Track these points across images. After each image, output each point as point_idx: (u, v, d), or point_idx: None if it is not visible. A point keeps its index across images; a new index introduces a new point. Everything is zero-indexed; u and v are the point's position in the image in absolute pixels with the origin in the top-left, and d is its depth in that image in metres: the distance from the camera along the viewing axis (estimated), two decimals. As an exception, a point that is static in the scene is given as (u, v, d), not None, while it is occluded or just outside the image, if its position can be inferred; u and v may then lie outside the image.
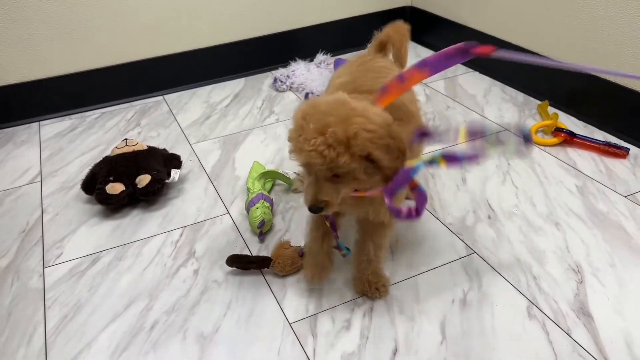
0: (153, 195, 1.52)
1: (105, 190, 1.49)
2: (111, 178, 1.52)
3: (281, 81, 2.18)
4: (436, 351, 1.06)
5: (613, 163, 1.58)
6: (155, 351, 1.11)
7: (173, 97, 2.23)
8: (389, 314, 1.16)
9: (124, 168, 1.54)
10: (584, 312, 1.12)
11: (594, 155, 1.62)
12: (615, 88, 1.68)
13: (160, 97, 2.23)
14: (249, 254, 1.32)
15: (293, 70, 2.20)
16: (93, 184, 1.54)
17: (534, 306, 1.14)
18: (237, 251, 1.36)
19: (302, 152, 0.94)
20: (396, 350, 1.07)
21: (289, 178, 1.56)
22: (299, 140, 0.94)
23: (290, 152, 0.98)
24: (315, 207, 0.98)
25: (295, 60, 2.29)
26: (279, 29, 2.34)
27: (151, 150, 1.64)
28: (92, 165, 1.61)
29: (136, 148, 1.62)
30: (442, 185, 1.53)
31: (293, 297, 1.21)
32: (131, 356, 1.11)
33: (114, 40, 2.10)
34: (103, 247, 1.41)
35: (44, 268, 1.36)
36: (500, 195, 1.48)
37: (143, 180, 1.51)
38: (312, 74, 2.19)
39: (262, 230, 1.38)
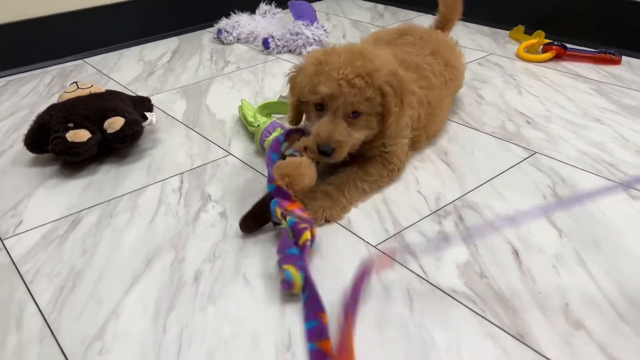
0: (131, 141, 1.19)
1: (66, 139, 1.13)
2: (71, 125, 1.16)
3: (227, 32, 1.91)
4: (560, 244, 0.90)
5: (611, 69, 1.55)
6: (214, 303, 0.82)
7: (97, 60, 1.86)
8: (483, 219, 0.98)
9: (85, 111, 1.19)
10: (682, 186, 1.03)
11: (590, 65, 1.58)
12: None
13: (80, 61, 1.86)
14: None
15: (237, 21, 1.95)
16: (44, 137, 1.18)
17: (631, 189, 1.03)
18: (262, 188, 1.09)
19: (328, 82, 0.93)
20: (516, 251, 0.89)
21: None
22: (323, 71, 0.94)
23: (304, 88, 0.97)
24: (328, 147, 0.94)
25: (235, 12, 2.03)
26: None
27: (113, 92, 1.30)
28: (36, 116, 1.23)
29: (92, 90, 1.28)
30: (462, 102, 1.39)
31: (360, 221, 0.99)
32: (184, 315, 0.80)
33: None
34: (79, 207, 1.07)
35: (2, 241, 0.98)
36: (525, 104, 1.38)
37: (115, 123, 1.18)
38: (261, 23, 1.95)
39: (289, 160, 1.13)
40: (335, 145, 0.94)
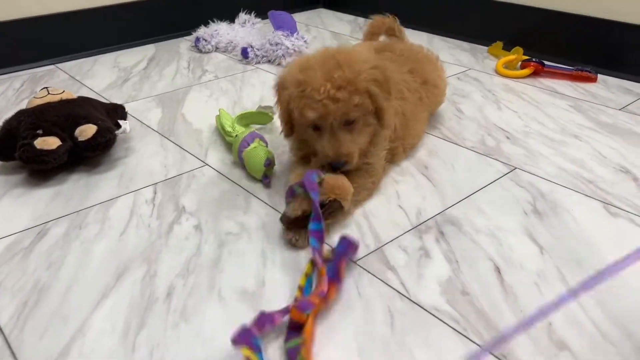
0: (103, 150, 1.15)
1: (34, 146, 1.09)
2: (40, 131, 1.12)
3: (205, 40, 1.88)
4: (542, 261, 0.89)
5: (588, 87, 1.57)
6: (187, 321, 0.78)
7: (70, 65, 1.81)
8: (464, 234, 0.96)
9: (56, 118, 1.15)
10: (660, 203, 1.04)
11: (568, 82, 1.60)
12: (562, 18, 1.70)
13: (53, 66, 1.80)
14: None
15: (216, 30, 1.92)
16: (11, 144, 1.13)
17: (610, 205, 1.03)
18: (239, 200, 1.07)
19: (312, 104, 0.92)
20: (498, 268, 0.88)
21: (269, 115, 1.29)
22: (304, 94, 0.92)
23: (292, 111, 0.96)
24: (339, 163, 0.95)
25: (214, 21, 2.00)
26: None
27: (85, 99, 1.26)
28: (3, 122, 1.18)
29: (64, 96, 1.23)
30: (442, 117, 1.39)
31: (339, 236, 0.96)
32: (155, 333, 0.77)
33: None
34: (46, 218, 1.02)
35: (-38, 252, 0.93)
36: (504, 119, 1.38)
37: (87, 131, 1.14)
38: (240, 33, 1.93)
39: (268, 173, 1.10)
40: (346, 158, 0.95)
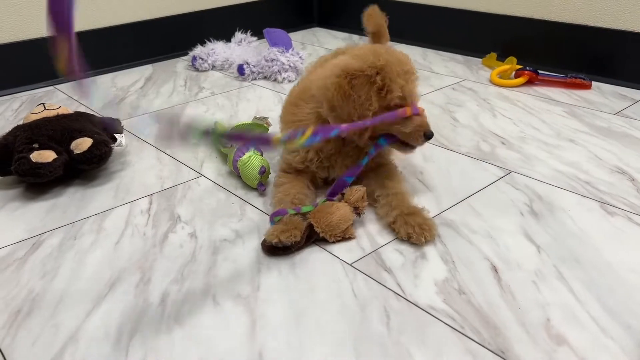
0: (98, 162, 1.15)
1: (30, 159, 1.09)
2: (36, 145, 1.12)
3: (202, 59, 1.90)
4: (539, 260, 0.88)
5: (582, 94, 1.57)
6: (182, 325, 0.78)
7: (68, 86, 1.82)
8: (461, 236, 0.95)
9: (52, 132, 1.16)
10: (657, 201, 1.03)
11: (562, 90, 1.60)
12: (554, 27, 1.71)
13: (51, 87, 1.82)
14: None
15: (212, 49, 1.94)
16: (7, 159, 1.13)
17: (607, 205, 1.02)
18: (235, 208, 1.06)
19: (408, 83, 0.98)
20: (495, 267, 0.87)
21: (264, 126, 1.29)
22: (399, 75, 0.96)
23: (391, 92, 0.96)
24: (431, 131, 1.01)
25: (211, 40, 2.02)
26: (183, 10, 2.07)
27: (81, 114, 1.27)
28: (-1, 137, 1.19)
29: (60, 112, 1.24)
30: (437, 125, 1.39)
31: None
32: (148, 339, 0.76)
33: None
34: (42, 230, 1.02)
35: (-44, 264, 0.93)
36: (499, 126, 1.38)
37: (82, 144, 1.14)
38: (236, 51, 1.95)
39: (263, 180, 1.10)
40: None
